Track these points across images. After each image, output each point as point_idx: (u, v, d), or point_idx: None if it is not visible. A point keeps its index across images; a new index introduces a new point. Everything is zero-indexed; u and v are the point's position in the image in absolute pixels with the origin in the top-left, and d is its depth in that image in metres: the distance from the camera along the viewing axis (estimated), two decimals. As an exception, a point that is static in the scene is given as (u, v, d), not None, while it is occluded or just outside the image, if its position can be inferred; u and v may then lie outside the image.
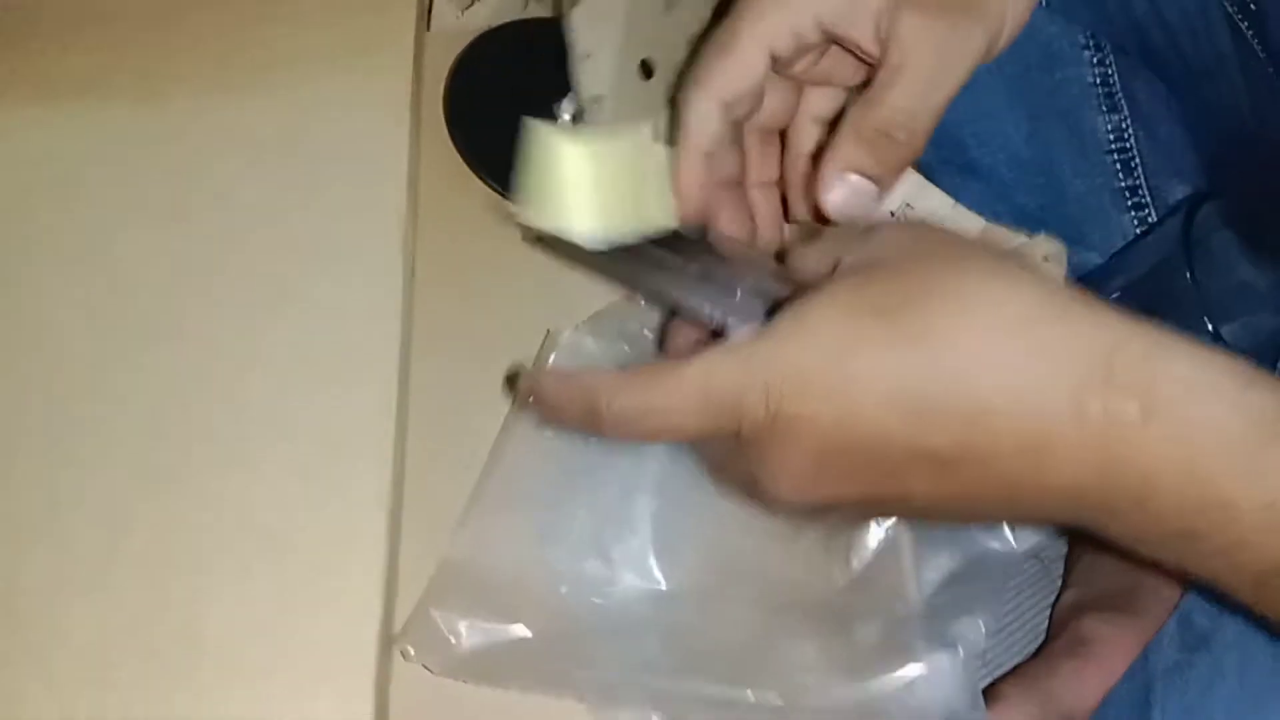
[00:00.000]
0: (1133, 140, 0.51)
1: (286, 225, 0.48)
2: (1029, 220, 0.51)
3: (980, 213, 0.54)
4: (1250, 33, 0.50)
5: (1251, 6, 0.50)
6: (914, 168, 0.43)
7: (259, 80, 0.51)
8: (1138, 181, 0.51)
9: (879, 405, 0.27)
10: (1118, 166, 0.51)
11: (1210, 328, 0.40)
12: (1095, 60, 0.52)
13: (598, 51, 0.48)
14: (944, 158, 0.55)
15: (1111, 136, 0.51)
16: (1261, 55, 0.50)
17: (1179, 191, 0.51)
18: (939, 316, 0.27)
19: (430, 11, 0.58)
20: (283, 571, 0.41)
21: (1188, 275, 0.38)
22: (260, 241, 0.48)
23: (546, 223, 0.36)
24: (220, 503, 0.42)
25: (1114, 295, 0.42)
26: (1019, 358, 0.26)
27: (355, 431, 0.44)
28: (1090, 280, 0.48)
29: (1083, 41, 0.53)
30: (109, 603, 0.40)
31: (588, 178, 0.36)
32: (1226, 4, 0.51)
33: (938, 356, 0.27)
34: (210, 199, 0.49)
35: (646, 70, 0.49)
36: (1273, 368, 0.41)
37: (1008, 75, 0.54)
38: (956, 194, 0.55)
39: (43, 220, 0.48)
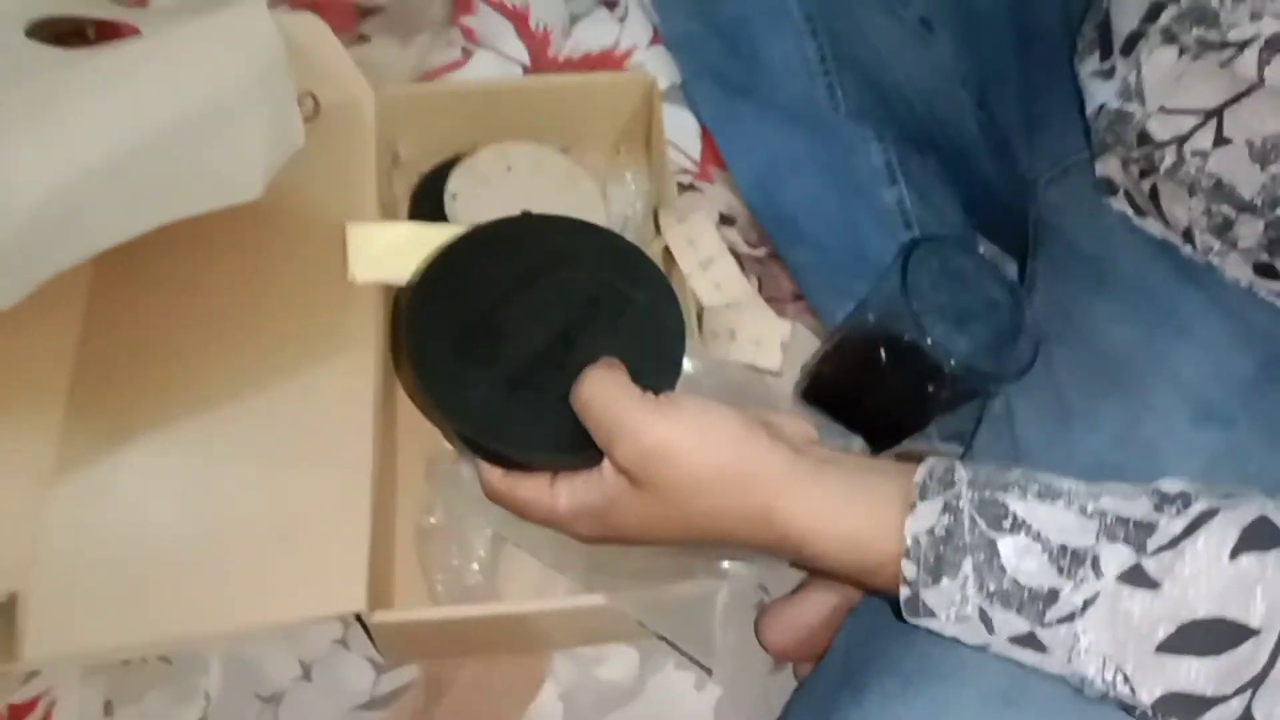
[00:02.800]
0: (910, 205, 0.70)
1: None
2: (845, 271, 0.70)
3: (808, 268, 0.73)
4: (987, 115, 0.71)
5: (984, 104, 0.71)
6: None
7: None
8: (915, 234, 0.70)
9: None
10: (902, 225, 0.70)
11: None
12: (881, 149, 0.70)
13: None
14: (783, 232, 0.73)
15: (896, 204, 0.70)
16: (995, 139, 0.71)
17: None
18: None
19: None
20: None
21: (906, 299, 0.56)
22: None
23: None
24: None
25: (868, 317, 0.60)
26: (719, 500, 0.43)
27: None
28: (856, 309, 0.63)
29: (872, 134, 0.71)
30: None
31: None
32: (971, 104, 0.71)
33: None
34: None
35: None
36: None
37: (820, 164, 0.72)
38: (793, 257, 0.74)
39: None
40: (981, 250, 0.73)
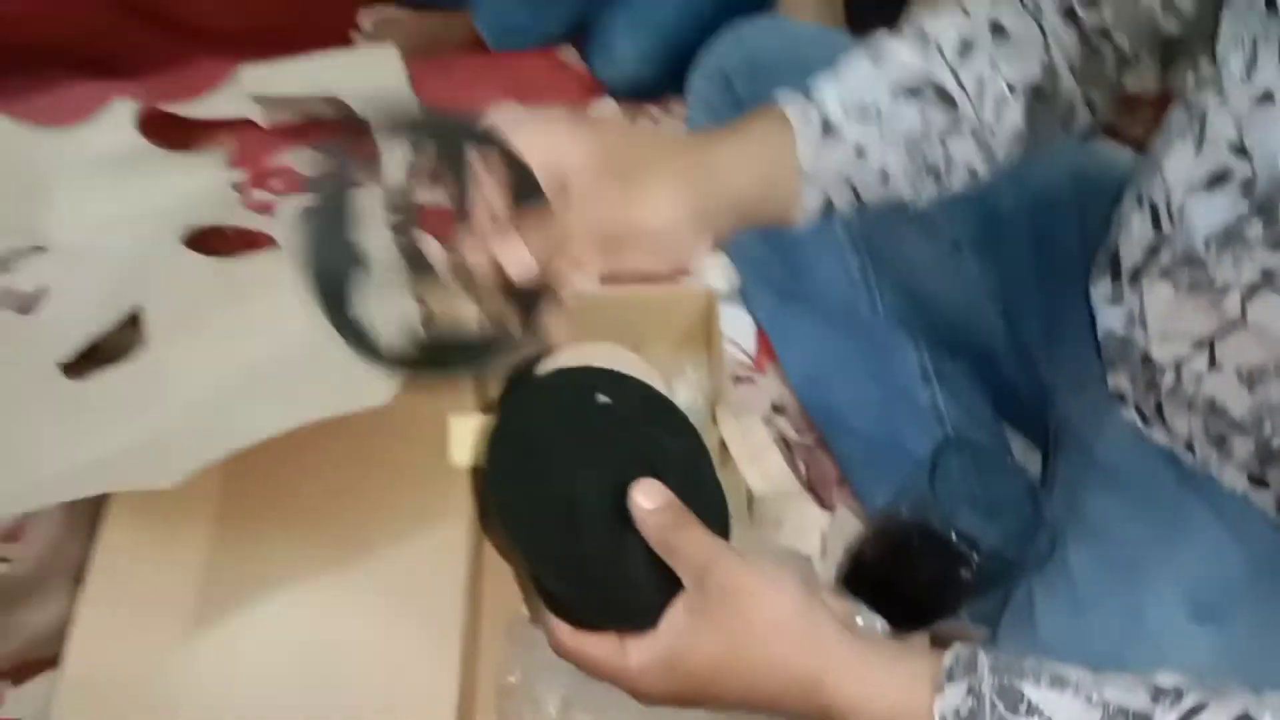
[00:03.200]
0: (943, 403, 0.78)
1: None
2: (885, 461, 0.78)
3: (851, 457, 0.81)
4: (1010, 328, 0.79)
5: (1008, 317, 0.79)
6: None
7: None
8: (947, 429, 0.77)
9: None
10: (935, 421, 0.78)
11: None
12: (916, 353, 0.79)
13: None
14: (829, 423, 0.81)
15: (930, 402, 0.78)
16: (1018, 348, 0.79)
17: (976, 436, 0.78)
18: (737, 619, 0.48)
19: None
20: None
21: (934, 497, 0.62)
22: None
23: None
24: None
25: (902, 509, 0.66)
26: (779, 651, 0.47)
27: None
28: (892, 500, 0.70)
29: (908, 340, 0.80)
30: None
31: None
32: (999, 312, 0.80)
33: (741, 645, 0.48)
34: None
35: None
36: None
37: (863, 364, 0.81)
38: (837, 446, 0.82)
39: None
40: (1010, 444, 0.81)
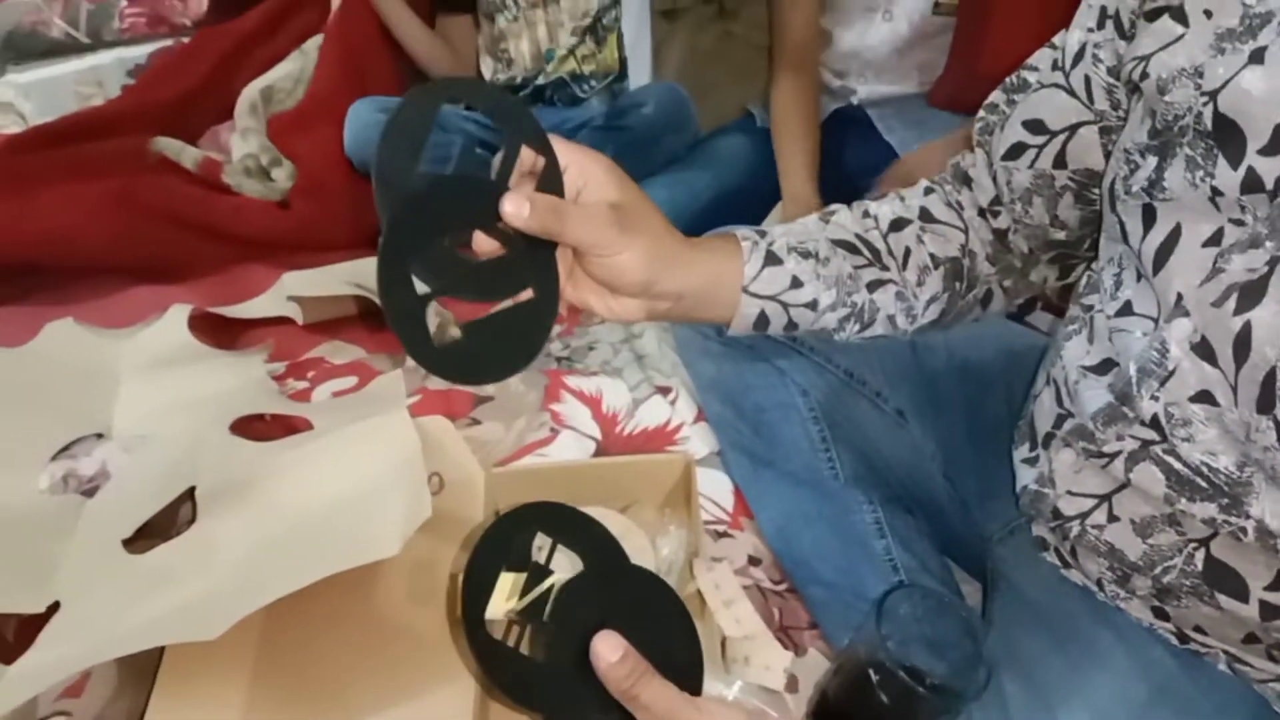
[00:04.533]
0: (896, 553, 0.87)
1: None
2: (848, 606, 0.86)
3: (819, 603, 0.89)
4: (951, 485, 0.89)
5: (948, 476, 0.89)
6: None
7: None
8: (901, 576, 0.86)
9: None
10: (890, 569, 0.86)
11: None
12: (871, 509, 0.88)
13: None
14: (799, 572, 0.90)
15: (885, 553, 0.87)
16: (958, 503, 0.88)
17: (926, 581, 0.87)
18: None
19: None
20: None
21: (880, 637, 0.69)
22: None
23: None
24: None
25: (859, 648, 0.73)
26: None
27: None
28: (850, 641, 0.76)
29: (864, 498, 0.90)
30: None
31: None
32: (940, 472, 0.90)
33: None
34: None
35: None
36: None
37: (826, 519, 0.89)
38: (807, 593, 0.90)
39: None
40: (960, 585, 0.89)
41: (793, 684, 0.82)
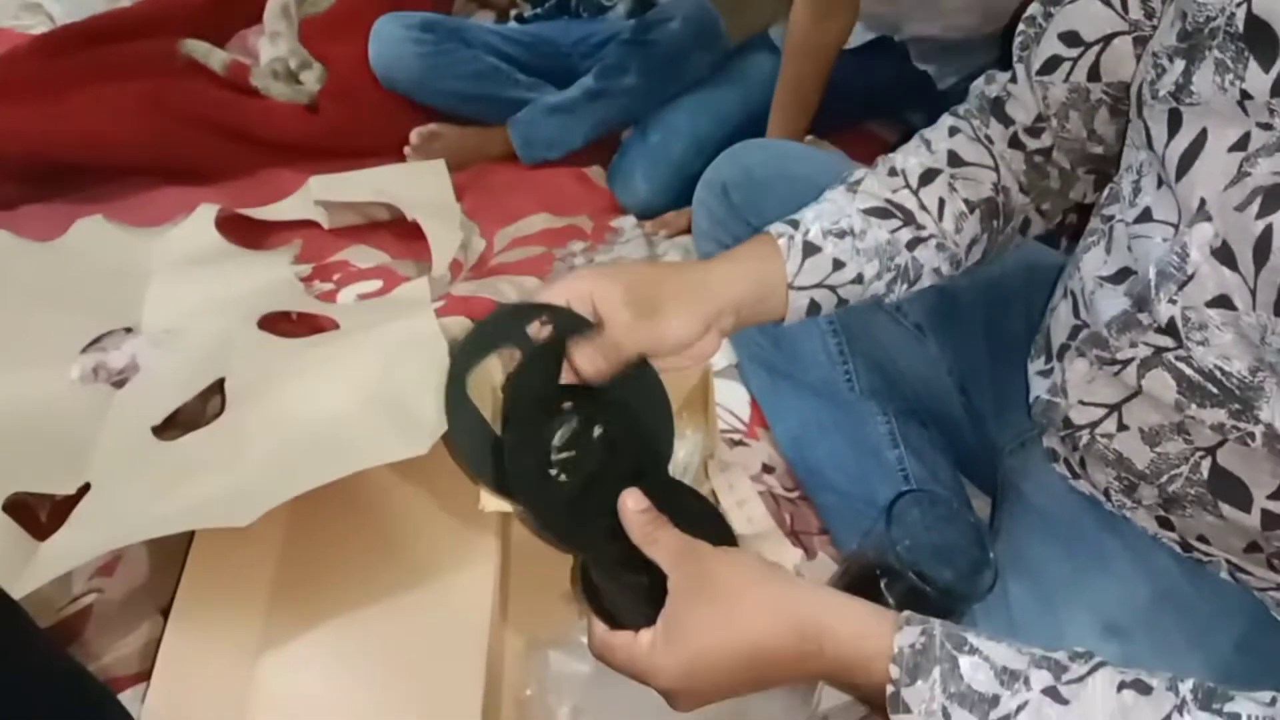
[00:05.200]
0: (908, 463, 0.89)
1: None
2: (859, 513, 0.88)
3: (831, 509, 0.91)
4: (966, 399, 0.90)
5: (964, 390, 0.90)
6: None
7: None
8: (911, 485, 0.88)
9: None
10: (901, 479, 0.88)
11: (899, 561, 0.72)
12: (885, 420, 0.90)
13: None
14: (812, 480, 0.92)
15: (898, 463, 0.89)
16: (973, 416, 0.90)
17: (935, 489, 0.88)
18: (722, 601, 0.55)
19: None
20: None
21: (889, 540, 0.71)
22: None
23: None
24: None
25: (868, 552, 0.75)
26: (754, 600, 0.54)
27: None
28: (859, 545, 0.79)
29: (878, 409, 0.91)
30: None
31: None
32: (957, 386, 0.91)
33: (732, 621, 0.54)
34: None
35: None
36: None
37: (840, 430, 0.91)
38: (819, 500, 0.92)
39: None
40: (969, 497, 0.91)
41: (801, 585, 0.85)
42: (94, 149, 1.41)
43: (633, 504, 0.60)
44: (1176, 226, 0.60)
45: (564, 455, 0.68)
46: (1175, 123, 0.58)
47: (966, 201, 0.75)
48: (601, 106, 1.54)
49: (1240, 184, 0.54)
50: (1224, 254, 0.55)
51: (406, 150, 1.52)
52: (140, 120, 1.42)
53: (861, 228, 0.73)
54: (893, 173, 0.76)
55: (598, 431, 0.69)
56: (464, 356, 0.68)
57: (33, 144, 1.39)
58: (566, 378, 0.67)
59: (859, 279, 0.73)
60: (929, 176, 0.75)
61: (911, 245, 0.74)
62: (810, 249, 0.72)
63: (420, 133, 1.52)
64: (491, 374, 0.71)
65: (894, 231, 0.74)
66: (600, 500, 0.63)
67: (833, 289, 0.73)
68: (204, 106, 1.45)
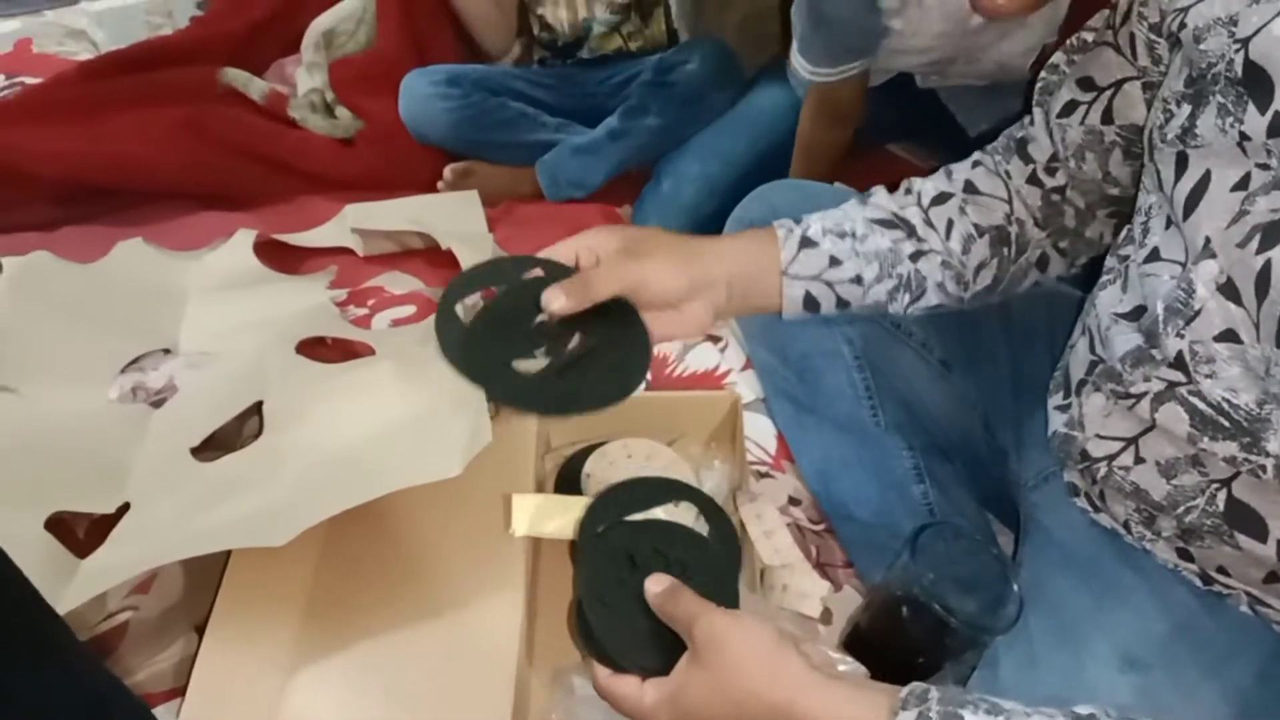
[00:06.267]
0: (933, 498, 0.91)
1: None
2: (883, 547, 0.90)
3: (855, 542, 0.93)
4: (990, 435, 0.93)
5: (988, 426, 0.93)
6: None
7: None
8: (936, 519, 0.90)
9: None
10: (927, 513, 0.90)
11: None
12: (910, 456, 0.92)
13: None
14: (837, 514, 0.94)
15: (922, 498, 0.91)
16: (996, 452, 0.92)
17: (959, 523, 0.91)
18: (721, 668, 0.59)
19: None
20: None
21: (914, 571, 0.74)
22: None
23: None
24: None
25: (892, 584, 0.77)
26: (753, 682, 0.57)
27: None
28: (884, 577, 0.80)
29: (903, 444, 0.93)
30: None
31: None
32: (981, 422, 0.93)
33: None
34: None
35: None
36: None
37: (865, 464, 0.93)
38: (843, 533, 0.94)
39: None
40: (994, 531, 0.93)
41: (827, 616, 0.87)
42: (132, 173, 1.46)
43: (655, 586, 0.67)
44: (1184, 264, 0.63)
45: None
46: (1182, 165, 0.62)
47: (976, 226, 0.79)
48: (624, 146, 1.59)
49: (1240, 222, 0.57)
50: (1229, 290, 0.58)
51: (440, 185, 1.56)
52: (179, 145, 1.47)
53: (863, 232, 0.77)
54: (907, 191, 0.81)
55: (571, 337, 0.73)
56: (457, 286, 0.75)
57: (72, 167, 1.44)
58: None
59: (858, 280, 0.76)
60: (941, 199, 0.80)
61: (914, 257, 0.78)
62: (807, 242, 0.76)
63: (454, 169, 1.57)
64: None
65: (896, 241, 0.77)
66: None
67: (830, 285, 0.76)
68: (242, 134, 1.50)
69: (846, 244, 0.76)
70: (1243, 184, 0.58)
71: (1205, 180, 0.60)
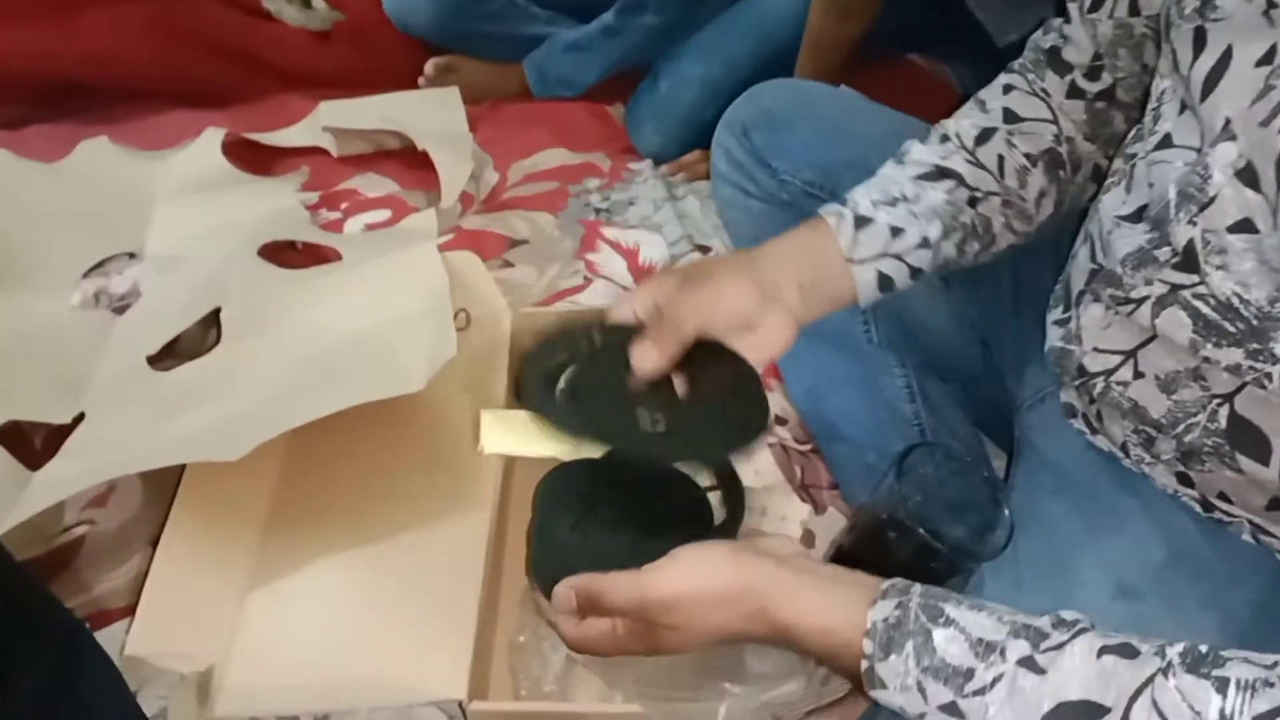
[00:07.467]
0: (925, 418, 0.88)
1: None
2: (871, 467, 0.87)
3: (842, 462, 0.90)
4: (988, 352, 0.89)
5: (986, 343, 0.89)
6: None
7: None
8: (928, 440, 0.87)
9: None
10: (917, 434, 0.87)
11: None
12: (903, 373, 0.89)
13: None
14: (824, 433, 0.91)
15: (914, 418, 0.88)
16: (994, 372, 0.88)
17: (951, 444, 0.87)
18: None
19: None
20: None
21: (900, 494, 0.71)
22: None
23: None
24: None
25: (877, 506, 0.74)
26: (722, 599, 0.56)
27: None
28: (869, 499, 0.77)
29: (896, 362, 0.90)
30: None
31: None
32: (979, 339, 0.89)
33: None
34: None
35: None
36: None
37: (856, 382, 0.90)
38: (830, 453, 0.92)
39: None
40: (987, 454, 0.90)
41: (809, 539, 0.84)
42: (101, 68, 1.42)
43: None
44: (1198, 150, 0.59)
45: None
46: (1200, 42, 0.58)
47: (1027, 155, 0.75)
48: (618, 45, 1.51)
49: (1266, 98, 0.53)
50: (1247, 174, 0.54)
51: (421, 81, 1.50)
52: (148, 40, 1.42)
53: (915, 192, 0.72)
54: (944, 139, 0.76)
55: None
56: (533, 366, 0.70)
57: (39, 62, 1.39)
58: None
59: (925, 243, 0.72)
60: (985, 136, 0.75)
61: (973, 202, 0.73)
62: (862, 221, 0.71)
63: (436, 64, 1.50)
64: None
65: (950, 191, 0.73)
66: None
67: (899, 258, 0.72)
68: (214, 28, 1.44)
69: (901, 209, 0.71)
70: (1268, 58, 0.53)
71: (1226, 57, 0.56)
